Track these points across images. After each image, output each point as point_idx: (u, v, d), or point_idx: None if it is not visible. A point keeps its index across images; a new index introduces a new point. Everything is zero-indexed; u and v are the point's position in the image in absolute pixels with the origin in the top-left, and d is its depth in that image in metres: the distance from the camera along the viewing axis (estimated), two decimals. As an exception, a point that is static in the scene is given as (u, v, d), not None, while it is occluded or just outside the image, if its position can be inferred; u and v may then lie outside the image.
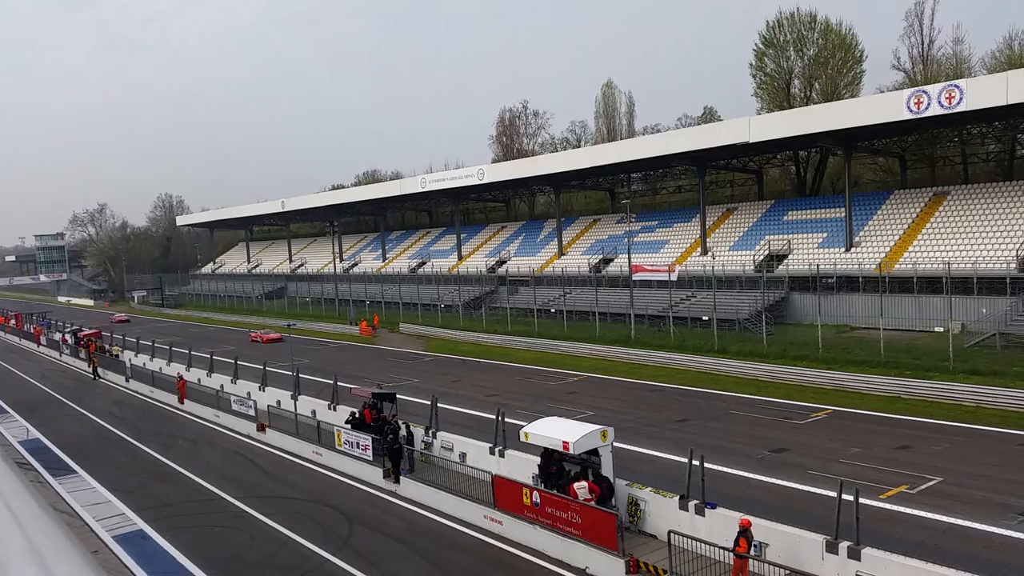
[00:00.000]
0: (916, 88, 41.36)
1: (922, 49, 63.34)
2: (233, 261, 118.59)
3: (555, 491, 17.45)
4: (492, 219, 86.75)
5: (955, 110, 38.03)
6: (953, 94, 37.95)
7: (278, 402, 29.79)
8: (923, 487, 18.95)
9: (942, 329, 37.01)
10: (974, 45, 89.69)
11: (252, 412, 29.49)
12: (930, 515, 17.11)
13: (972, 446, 22.77)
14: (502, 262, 71.19)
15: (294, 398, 29.05)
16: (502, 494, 18.31)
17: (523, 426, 18.89)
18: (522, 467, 19.75)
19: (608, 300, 51.46)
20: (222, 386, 34.52)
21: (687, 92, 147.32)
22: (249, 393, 32.20)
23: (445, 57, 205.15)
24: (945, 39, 63.92)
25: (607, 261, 61.14)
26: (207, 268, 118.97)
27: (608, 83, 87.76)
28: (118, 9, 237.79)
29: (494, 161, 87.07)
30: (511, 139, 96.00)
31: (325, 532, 18.75)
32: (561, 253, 66.56)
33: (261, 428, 28.32)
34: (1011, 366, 29.96)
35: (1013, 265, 39.02)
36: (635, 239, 56.34)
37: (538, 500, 17.29)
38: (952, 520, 16.77)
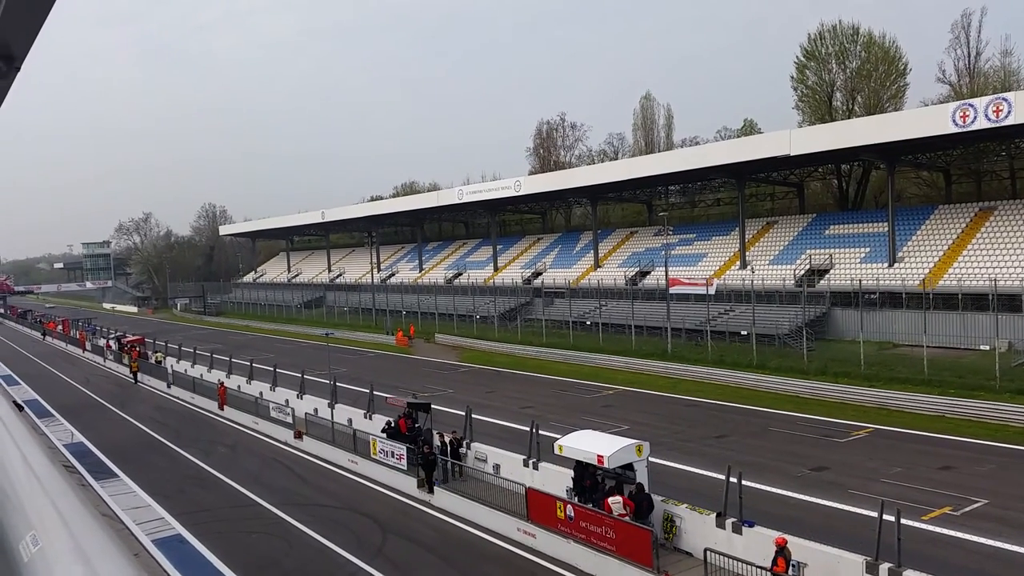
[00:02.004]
0: (962, 101, 40.52)
1: (968, 62, 62.13)
2: (274, 270, 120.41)
3: (589, 505, 17.35)
4: (528, 231, 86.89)
5: (1003, 123, 37.13)
6: (1001, 107, 37.09)
7: (315, 410, 30.12)
8: (967, 509, 18.45)
9: (988, 347, 35.94)
10: (1023, 58, 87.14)
11: (290, 419, 29.90)
12: (975, 538, 16.64)
13: (1019, 468, 22.12)
14: (538, 274, 71.21)
15: (331, 406, 29.33)
16: (536, 507, 18.26)
17: (557, 438, 18.87)
18: (556, 480, 19.66)
19: (644, 313, 51.10)
20: (261, 393, 35.03)
21: (727, 105, 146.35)
22: (287, 400, 32.63)
23: (483, 70, 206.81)
24: (993, 51, 62.79)
25: (644, 274, 60.77)
26: (248, 277, 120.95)
27: (647, 95, 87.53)
28: (164, 24, 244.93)
29: (531, 173, 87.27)
30: (548, 151, 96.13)
31: (359, 540, 18.88)
32: (597, 265, 66.35)
33: (298, 435, 28.65)
34: (1061, 386, 29.04)
35: (1064, 282, 37.86)
36: (672, 252, 55.87)
37: (572, 514, 17.21)
38: (998, 544, 16.29)
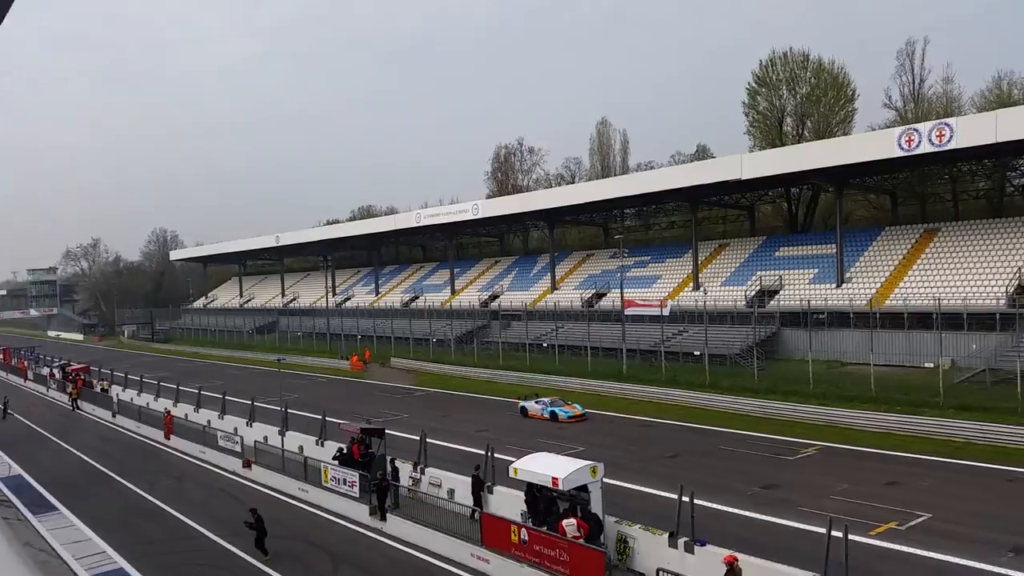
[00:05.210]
0: (907, 126, 41.88)
1: (913, 88, 64.44)
2: (225, 295, 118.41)
3: (544, 528, 17.22)
4: (486, 253, 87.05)
5: (946, 148, 38.43)
6: (944, 132, 38.41)
7: (265, 438, 29.51)
8: (912, 523, 18.80)
9: (932, 365, 36.98)
10: (964, 84, 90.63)
11: (238, 448, 29.21)
12: (919, 551, 16.94)
13: (961, 482, 22.69)
14: (495, 296, 71.22)
15: (281, 434, 28.73)
16: (490, 531, 18.07)
17: (513, 462, 18.71)
18: (512, 504, 19.49)
19: (600, 335, 51.39)
20: (209, 422, 34.23)
21: (681, 130, 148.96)
22: (236, 429, 31.90)
23: (442, 94, 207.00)
24: (936, 78, 65.24)
25: (600, 296, 61.22)
26: (199, 302, 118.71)
27: (603, 121, 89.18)
28: (118, 45, 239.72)
29: (489, 197, 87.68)
30: (506, 175, 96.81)
31: (308, 571, 18.45)
32: (554, 288, 66.65)
33: (247, 464, 27.98)
34: (1000, 401, 29.92)
35: (1002, 301, 39.16)
36: (628, 274, 56.49)
37: (526, 538, 17.06)
38: (941, 556, 16.60)
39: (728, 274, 55.55)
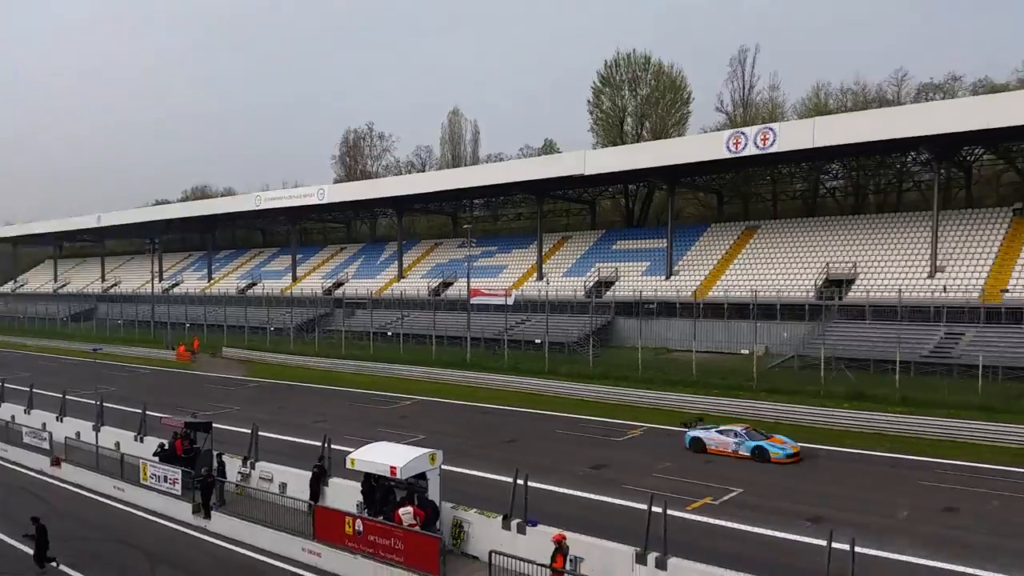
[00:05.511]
0: (735, 129, 44.98)
1: (743, 93, 69.33)
2: (38, 279, 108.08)
3: (380, 518, 17.01)
4: (331, 240, 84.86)
5: (769, 151, 41.65)
6: (768, 136, 41.55)
7: (77, 434, 27.20)
8: (725, 498, 20.28)
9: (748, 351, 40.10)
10: (788, 92, 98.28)
11: (47, 445, 26.74)
12: (731, 524, 18.29)
13: (772, 459, 24.64)
14: (340, 284, 69.56)
15: (96, 429, 26.48)
16: (323, 524, 17.61)
17: (351, 452, 18.33)
18: (348, 495, 19.10)
19: (446, 323, 51.53)
20: (13, 417, 31.12)
21: (530, 124, 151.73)
22: (45, 424, 29.25)
23: (288, 74, 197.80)
24: (763, 85, 70.44)
25: (447, 284, 61.34)
26: (7, 287, 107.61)
27: (454, 110, 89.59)
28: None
29: (336, 181, 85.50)
30: (355, 160, 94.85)
31: (123, 573, 17.21)
32: (401, 276, 66.07)
33: (56, 462, 25.65)
34: (806, 385, 33.00)
35: (811, 293, 43.07)
36: (475, 264, 56.97)
37: (361, 528, 16.77)
38: (749, 528, 18.00)
39: (569, 265, 57.39)
